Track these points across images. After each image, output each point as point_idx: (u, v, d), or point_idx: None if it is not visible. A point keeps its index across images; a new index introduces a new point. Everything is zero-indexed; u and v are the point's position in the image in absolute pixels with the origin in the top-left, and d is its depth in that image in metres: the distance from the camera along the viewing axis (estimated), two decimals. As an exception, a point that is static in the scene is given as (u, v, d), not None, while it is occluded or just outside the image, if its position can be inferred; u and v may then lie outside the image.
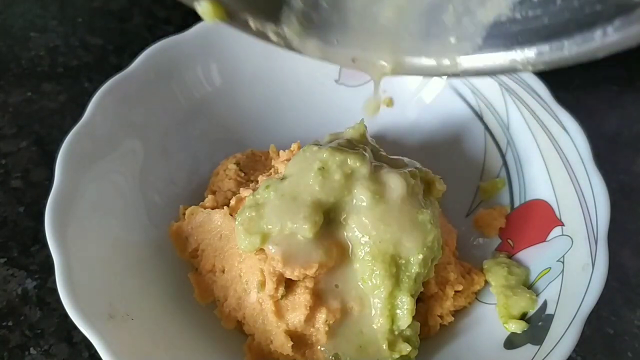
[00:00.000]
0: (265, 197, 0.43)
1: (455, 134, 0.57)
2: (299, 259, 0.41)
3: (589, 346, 0.50)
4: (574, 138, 0.50)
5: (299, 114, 0.60)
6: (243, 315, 0.45)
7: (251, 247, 0.42)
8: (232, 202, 0.47)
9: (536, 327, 0.43)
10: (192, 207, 0.49)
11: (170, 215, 0.51)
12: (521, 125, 0.53)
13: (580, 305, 0.41)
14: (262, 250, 0.43)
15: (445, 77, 0.58)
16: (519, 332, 0.43)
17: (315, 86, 0.61)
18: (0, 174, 0.58)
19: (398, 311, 0.42)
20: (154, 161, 0.53)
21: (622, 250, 0.56)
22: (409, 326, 0.42)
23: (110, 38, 0.72)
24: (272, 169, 0.50)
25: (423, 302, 0.46)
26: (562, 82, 0.69)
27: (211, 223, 0.48)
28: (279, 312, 0.42)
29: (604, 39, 0.28)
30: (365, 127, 0.48)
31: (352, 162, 0.43)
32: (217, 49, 0.58)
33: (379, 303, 0.42)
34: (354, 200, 0.43)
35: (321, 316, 0.42)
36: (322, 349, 0.42)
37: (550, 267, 0.46)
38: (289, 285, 0.42)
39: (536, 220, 0.50)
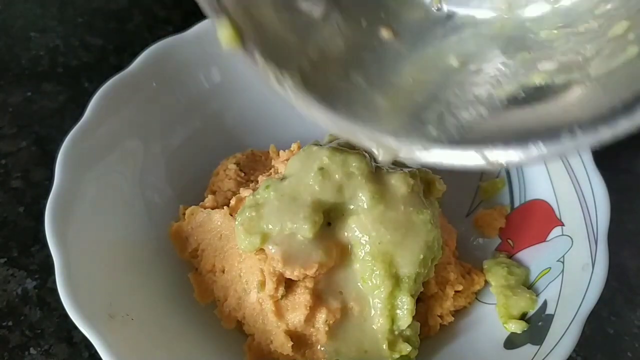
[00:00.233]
0: (265, 197, 0.43)
1: (455, 134, 0.57)
2: (299, 259, 0.41)
3: (589, 346, 0.50)
4: (574, 138, 0.50)
5: (299, 114, 0.60)
6: (243, 315, 0.45)
7: (251, 247, 0.42)
8: (232, 202, 0.47)
9: (536, 327, 0.43)
10: (192, 207, 0.49)
11: (170, 215, 0.51)
12: (521, 125, 0.53)
13: (580, 305, 0.41)
14: (262, 250, 0.43)
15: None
16: (519, 332, 0.43)
17: (315, 86, 0.60)
18: (0, 174, 0.58)
19: (398, 311, 0.42)
20: (154, 161, 0.53)
21: (622, 250, 0.56)
22: (409, 326, 0.42)
23: (110, 38, 0.72)
24: (272, 169, 0.50)
25: (423, 302, 0.46)
26: (562, 82, 0.69)
27: (211, 223, 0.48)
28: (279, 312, 0.42)
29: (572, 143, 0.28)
30: (365, 127, 0.48)
31: (352, 162, 0.43)
32: (217, 49, 0.57)
33: (379, 303, 0.42)
34: (354, 201, 0.43)
35: (321, 316, 0.42)
36: (322, 349, 0.42)
37: (550, 267, 0.46)
38: (289, 285, 0.42)
39: (536, 220, 0.50)
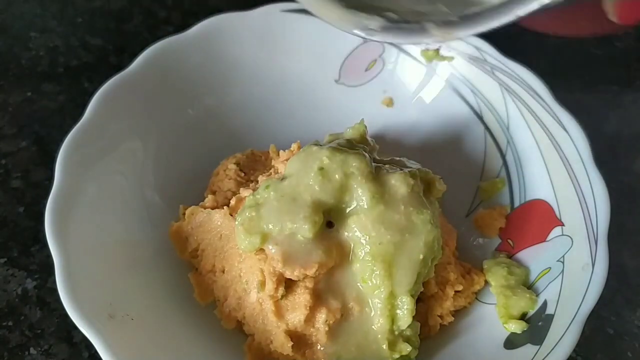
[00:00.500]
0: (265, 197, 0.43)
1: (455, 134, 0.57)
2: (299, 259, 0.41)
3: (589, 346, 0.50)
4: (574, 138, 0.50)
5: (299, 114, 0.60)
6: (243, 315, 0.45)
7: (251, 247, 0.42)
8: (232, 202, 0.47)
9: (536, 327, 0.43)
10: (192, 207, 0.49)
11: (170, 215, 0.51)
12: (521, 125, 0.53)
13: (580, 305, 0.41)
14: (262, 250, 0.43)
15: (445, 78, 0.58)
16: (518, 332, 0.43)
17: (315, 86, 0.61)
18: (0, 174, 0.58)
19: (398, 311, 0.42)
20: (154, 161, 0.53)
21: (622, 250, 0.56)
22: (409, 326, 0.42)
23: (110, 38, 0.72)
24: (272, 169, 0.50)
25: (423, 302, 0.46)
26: (562, 82, 0.69)
27: (211, 223, 0.48)
28: (279, 312, 0.42)
29: None
30: (365, 127, 0.48)
31: (352, 162, 0.43)
32: (217, 49, 0.58)
33: (379, 303, 0.42)
34: (354, 201, 0.43)
35: (321, 316, 0.42)
36: (322, 349, 0.42)
37: (550, 267, 0.46)
38: (289, 285, 0.42)
39: (536, 220, 0.50)
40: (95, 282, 0.42)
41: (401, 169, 0.45)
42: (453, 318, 0.47)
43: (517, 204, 0.52)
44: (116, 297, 0.42)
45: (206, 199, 0.50)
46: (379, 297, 0.41)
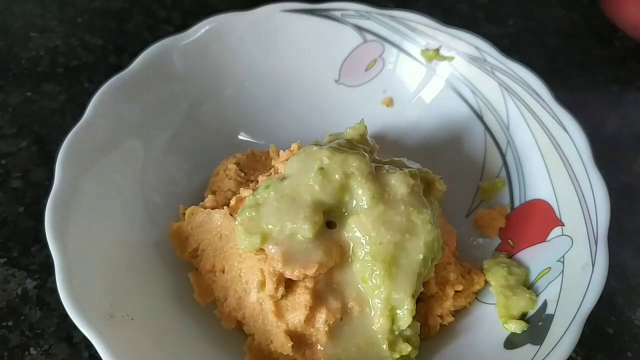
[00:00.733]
0: (265, 197, 0.43)
1: (455, 134, 0.57)
2: (299, 259, 0.41)
3: (589, 346, 0.50)
4: (574, 138, 0.50)
5: (299, 114, 0.60)
6: (243, 315, 0.45)
7: (251, 247, 0.42)
8: (232, 202, 0.47)
9: (536, 327, 0.43)
10: (192, 207, 0.49)
11: (170, 215, 0.51)
12: (521, 125, 0.53)
13: (580, 305, 0.41)
14: (262, 250, 0.43)
15: (445, 78, 0.58)
16: (518, 332, 0.43)
17: (315, 86, 0.61)
18: (0, 174, 0.58)
19: (398, 311, 0.42)
20: (154, 161, 0.53)
21: (622, 250, 0.56)
22: (409, 326, 0.42)
23: (110, 38, 0.73)
24: (272, 169, 0.50)
25: (423, 302, 0.46)
26: (562, 82, 0.69)
27: (211, 223, 0.48)
28: (279, 312, 0.42)
29: None
30: (365, 127, 0.48)
31: (352, 162, 0.43)
32: (216, 49, 0.58)
33: (379, 303, 0.42)
34: (354, 201, 0.43)
35: (321, 316, 0.42)
36: (322, 349, 0.42)
37: (550, 267, 0.46)
38: (289, 285, 0.42)
39: (536, 220, 0.50)
40: (95, 282, 0.42)
41: (401, 169, 0.45)
42: (453, 318, 0.47)
43: (517, 204, 0.52)
44: (116, 297, 0.42)
45: (206, 199, 0.50)
46: (379, 297, 0.41)
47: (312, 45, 0.60)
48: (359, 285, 0.42)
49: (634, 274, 0.55)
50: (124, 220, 0.48)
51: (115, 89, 0.51)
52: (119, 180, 0.49)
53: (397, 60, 0.60)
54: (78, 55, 0.70)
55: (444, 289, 0.46)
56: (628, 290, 0.54)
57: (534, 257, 0.48)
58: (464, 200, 0.55)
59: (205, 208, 0.49)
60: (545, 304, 0.44)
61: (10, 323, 0.49)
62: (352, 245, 0.43)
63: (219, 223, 0.47)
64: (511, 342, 0.43)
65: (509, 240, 0.51)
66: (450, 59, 0.58)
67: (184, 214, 0.50)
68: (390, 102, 0.60)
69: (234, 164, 0.53)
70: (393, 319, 0.42)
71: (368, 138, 0.48)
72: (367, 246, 0.42)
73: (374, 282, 0.41)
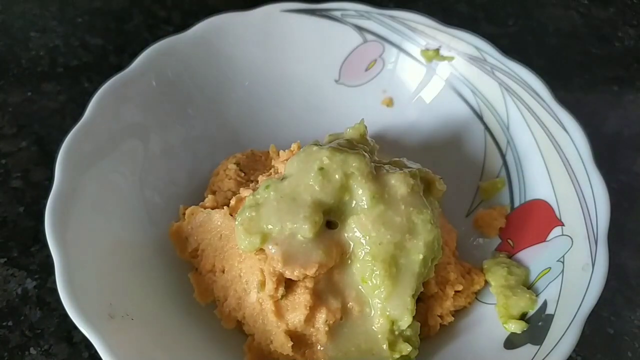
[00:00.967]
0: (265, 197, 0.43)
1: (455, 134, 0.57)
2: (299, 259, 0.41)
3: (589, 346, 0.50)
4: (574, 138, 0.50)
5: (299, 114, 0.60)
6: (243, 315, 0.45)
7: (251, 247, 0.42)
8: (232, 202, 0.47)
9: (536, 327, 0.43)
10: (192, 207, 0.49)
11: (170, 215, 0.51)
12: (521, 125, 0.53)
13: (580, 305, 0.41)
14: (262, 250, 0.43)
15: (445, 78, 0.58)
16: (518, 332, 0.43)
17: (315, 86, 0.61)
18: (0, 174, 0.58)
19: (398, 312, 0.42)
20: (154, 161, 0.53)
21: (622, 250, 0.56)
22: (409, 326, 0.42)
23: (110, 38, 0.73)
24: (272, 169, 0.50)
25: (423, 302, 0.46)
26: (562, 82, 0.69)
27: (211, 223, 0.48)
28: (279, 312, 0.42)
29: None
30: (365, 127, 0.48)
31: (352, 162, 0.43)
32: (216, 49, 0.58)
33: (379, 303, 0.42)
34: (354, 201, 0.43)
35: (321, 316, 0.42)
36: (322, 349, 0.42)
37: (550, 267, 0.46)
38: (289, 285, 0.42)
39: (536, 220, 0.50)
40: (95, 282, 0.42)
41: (401, 169, 0.45)
42: (453, 318, 0.47)
43: (517, 204, 0.52)
44: (116, 297, 0.42)
45: (206, 199, 0.50)
46: (379, 297, 0.41)
47: (312, 45, 0.60)
48: (359, 286, 0.42)
49: (634, 274, 0.55)
50: (124, 220, 0.48)
51: (115, 89, 0.51)
52: (119, 180, 0.49)
53: (397, 60, 0.60)
54: (78, 55, 0.70)
55: (444, 289, 0.46)
56: (628, 290, 0.54)
57: (534, 257, 0.48)
58: (464, 200, 0.55)
59: (205, 208, 0.49)
60: (545, 304, 0.44)
61: (10, 323, 0.49)
62: (352, 245, 0.43)
63: (219, 223, 0.47)
64: (511, 342, 0.43)
65: (509, 240, 0.51)
66: (450, 59, 0.58)
67: (184, 214, 0.50)
68: (390, 102, 0.60)
69: (234, 164, 0.53)
70: (393, 319, 0.42)
71: (368, 138, 0.48)
72: (367, 246, 0.42)
73: (374, 282, 0.41)
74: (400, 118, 0.59)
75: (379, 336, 0.42)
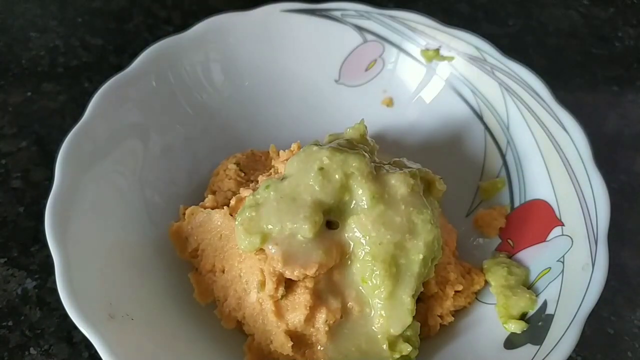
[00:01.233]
0: (265, 197, 0.43)
1: (455, 134, 0.57)
2: (299, 259, 0.41)
3: (589, 346, 0.50)
4: (574, 138, 0.50)
5: (299, 114, 0.60)
6: (243, 315, 0.45)
7: (251, 247, 0.42)
8: (232, 202, 0.47)
9: (536, 327, 0.43)
10: (192, 207, 0.49)
11: (170, 215, 0.51)
12: (521, 125, 0.53)
13: (580, 305, 0.41)
14: (262, 250, 0.43)
15: (445, 78, 0.58)
16: (518, 332, 0.43)
17: (315, 86, 0.61)
18: (0, 174, 0.58)
19: (398, 312, 0.42)
20: (154, 161, 0.53)
21: (622, 250, 0.56)
22: (409, 326, 0.42)
23: (110, 38, 0.73)
24: (272, 169, 0.50)
25: (423, 302, 0.46)
26: (562, 82, 0.69)
27: (211, 223, 0.48)
28: (279, 312, 0.42)
29: None
30: (365, 127, 0.48)
31: (352, 162, 0.43)
32: (217, 49, 0.58)
33: (379, 303, 0.42)
34: (354, 201, 0.43)
35: (321, 316, 0.42)
36: (322, 349, 0.42)
37: (550, 267, 0.46)
38: (289, 285, 0.42)
39: (536, 220, 0.50)
40: (95, 282, 0.42)
41: (401, 169, 0.45)
42: (453, 318, 0.47)
43: (517, 204, 0.52)
44: (116, 297, 0.42)
45: (206, 199, 0.50)
46: (379, 297, 0.41)
47: (312, 45, 0.60)
48: (359, 286, 0.42)
49: (634, 274, 0.55)
50: (124, 220, 0.48)
51: (115, 89, 0.51)
52: (119, 180, 0.49)
53: (397, 60, 0.60)
54: (78, 55, 0.70)
55: (444, 289, 0.46)
56: (628, 290, 0.54)
57: (534, 257, 0.48)
58: (464, 200, 0.55)
59: (205, 208, 0.49)
60: (545, 304, 0.44)
61: (10, 323, 0.49)
62: (352, 245, 0.43)
63: (219, 223, 0.47)
64: (511, 342, 0.43)
65: (509, 240, 0.51)
66: (450, 59, 0.58)
67: (184, 214, 0.50)
68: (390, 102, 0.60)
69: (234, 164, 0.53)
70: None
71: (368, 138, 0.48)
72: (367, 246, 0.42)
73: (374, 282, 0.41)
74: (400, 118, 0.59)
75: (379, 336, 0.42)
